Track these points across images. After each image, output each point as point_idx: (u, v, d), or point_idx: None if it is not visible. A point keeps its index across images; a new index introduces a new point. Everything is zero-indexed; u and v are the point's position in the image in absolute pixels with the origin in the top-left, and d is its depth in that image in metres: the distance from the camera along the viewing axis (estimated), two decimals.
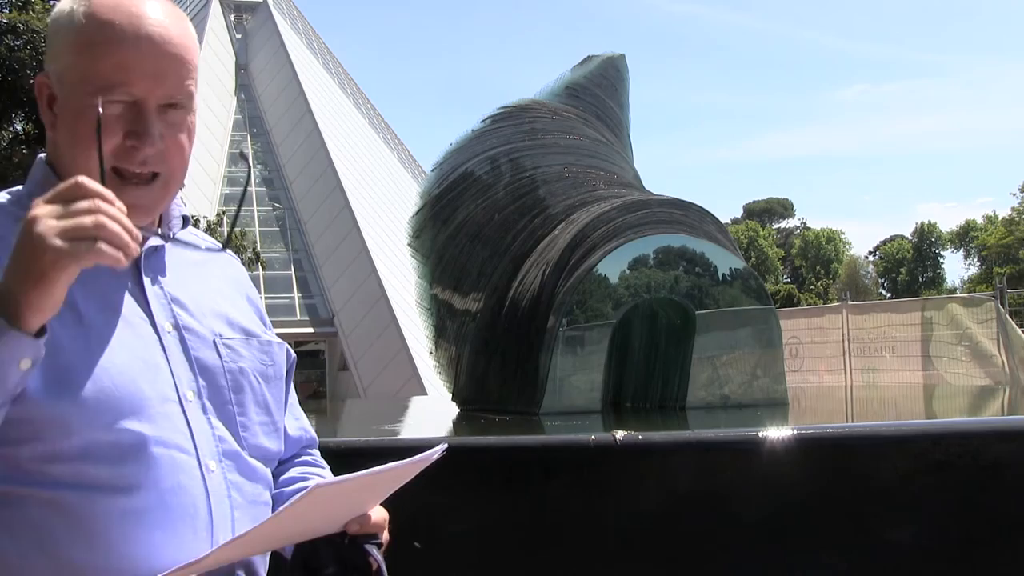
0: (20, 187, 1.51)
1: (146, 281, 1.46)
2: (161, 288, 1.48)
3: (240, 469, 1.45)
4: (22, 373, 1.22)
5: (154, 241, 1.50)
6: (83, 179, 1.20)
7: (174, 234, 1.55)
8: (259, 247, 31.48)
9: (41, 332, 1.21)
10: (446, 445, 1.52)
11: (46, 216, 1.18)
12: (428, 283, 5.66)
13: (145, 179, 1.43)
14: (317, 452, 1.72)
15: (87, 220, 1.17)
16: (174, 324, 1.46)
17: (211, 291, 1.56)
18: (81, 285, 1.39)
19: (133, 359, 1.38)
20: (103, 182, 1.25)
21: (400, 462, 1.45)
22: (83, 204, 1.18)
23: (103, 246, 1.17)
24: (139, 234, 1.23)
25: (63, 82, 1.43)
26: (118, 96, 1.40)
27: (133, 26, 1.40)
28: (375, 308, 35.36)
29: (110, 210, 1.19)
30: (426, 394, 23.42)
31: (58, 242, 1.16)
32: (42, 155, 1.53)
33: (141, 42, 1.40)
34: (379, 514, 1.51)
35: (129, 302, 1.43)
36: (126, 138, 1.41)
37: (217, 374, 1.47)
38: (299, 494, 1.38)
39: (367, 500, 1.48)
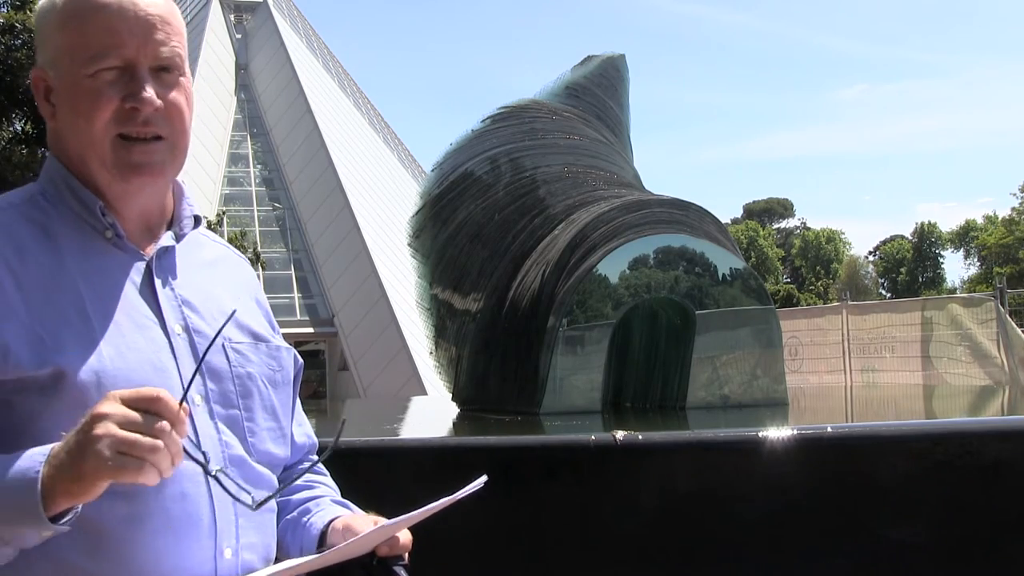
0: (34, 184, 1.51)
1: (157, 282, 1.46)
2: (172, 289, 1.47)
3: (245, 475, 1.44)
4: (43, 539, 1.24)
5: (166, 241, 1.50)
6: (165, 396, 1.20)
7: (185, 234, 1.55)
8: (259, 247, 31.44)
9: (66, 513, 1.22)
10: (485, 477, 1.54)
11: (113, 419, 1.18)
12: (428, 283, 5.66)
13: (149, 138, 1.44)
14: (317, 457, 1.72)
15: (147, 443, 1.17)
16: (184, 326, 1.45)
17: (221, 293, 1.55)
18: (90, 287, 1.39)
19: (142, 363, 1.37)
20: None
21: (450, 497, 1.48)
22: (150, 425, 1.18)
23: (147, 468, 1.17)
24: (182, 458, 1.23)
25: (57, 65, 1.44)
26: (111, 61, 1.41)
27: None
28: (375, 308, 35.33)
29: (173, 436, 1.19)
30: (426, 394, 23.40)
31: (107, 452, 1.16)
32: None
33: (124, 4, 1.43)
34: (406, 536, 1.51)
35: (139, 303, 1.43)
36: (123, 101, 1.42)
37: (225, 378, 1.47)
38: (370, 530, 1.42)
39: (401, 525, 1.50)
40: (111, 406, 1.19)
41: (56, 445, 1.22)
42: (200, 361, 1.40)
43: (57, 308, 1.35)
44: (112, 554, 1.30)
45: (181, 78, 1.48)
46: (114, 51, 1.41)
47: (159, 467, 1.18)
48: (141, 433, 1.17)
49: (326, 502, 1.60)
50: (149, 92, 1.42)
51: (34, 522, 1.19)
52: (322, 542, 1.51)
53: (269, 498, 1.45)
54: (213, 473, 1.36)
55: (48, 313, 1.34)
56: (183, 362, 1.42)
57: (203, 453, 1.35)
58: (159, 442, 1.18)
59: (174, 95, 1.46)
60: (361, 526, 1.48)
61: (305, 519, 1.56)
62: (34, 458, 1.21)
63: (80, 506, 1.22)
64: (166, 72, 1.45)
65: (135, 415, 1.19)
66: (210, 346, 1.42)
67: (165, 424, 1.19)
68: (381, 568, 1.47)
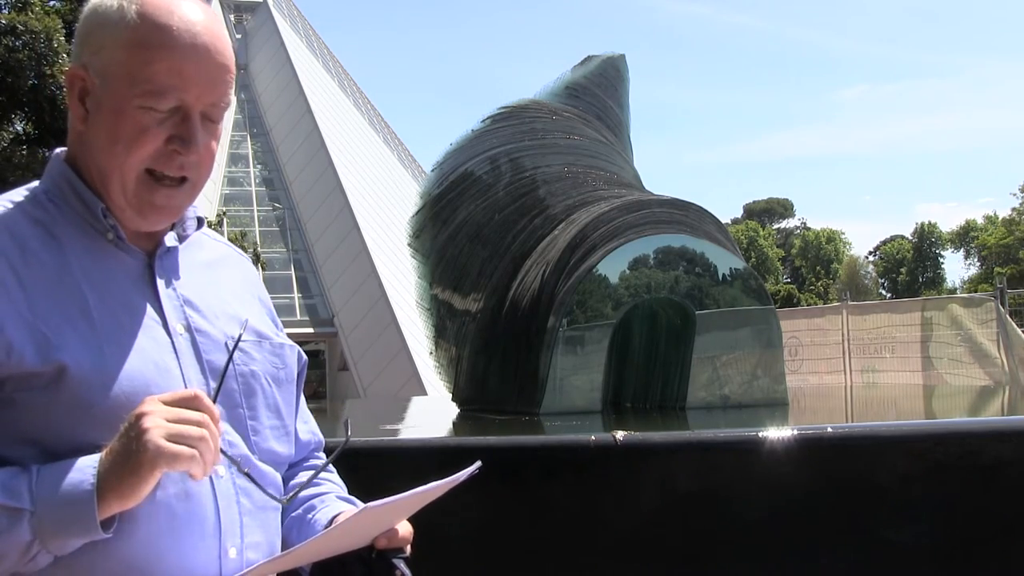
0: (36, 183, 1.50)
1: (159, 283, 1.46)
2: (174, 290, 1.47)
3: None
4: (84, 542, 1.28)
5: (169, 242, 1.50)
6: (201, 394, 1.29)
7: (188, 235, 1.54)
8: (259, 247, 31.44)
9: (112, 519, 1.27)
10: (480, 463, 1.53)
11: (159, 414, 1.25)
12: (428, 283, 5.67)
13: (176, 182, 1.43)
14: (323, 455, 1.71)
15: (195, 432, 1.25)
16: (186, 326, 1.45)
17: (223, 293, 1.55)
18: (93, 287, 1.39)
19: (145, 363, 1.37)
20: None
21: (441, 481, 1.47)
22: (195, 416, 1.26)
23: (197, 458, 1.24)
24: (220, 455, 1.32)
25: (106, 77, 1.41)
26: (168, 103, 1.39)
27: (190, 33, 1.40)
28: (375, 308, 35.32)
29: (214, 429, 1.27)
30: (426, 394, 23.40)
31: (161, 441, 1.23)
32: (58, 151, 1.51)
33: (198, 50, 1.40)
34: (405, 528, 1.51)
35: (142, 303, 1.43)
36: (168, 142, 1.40)
37: (229, 376, 1.46)
38: (352, 513, 1.42)
39: (397, 515, 1.49)
40: (153, 405, 1.25)
41: (101, 454, 1.26)
42: (228, 361, 1.43)
43: (60, 307, 1.35)
44: (114, 553, 1.30)
45: (220, 124, 1.47)
46: (174, 93, 1.39)
47: (205, 458, 1.25)
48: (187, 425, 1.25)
49: (331, 498, 1.60)
50: (198, 142, 1.41)
51: (87, 531, 1.25)
52: None
53: (298, 491, 1.53)
54: (246, 470, 1.42)
55: (51, 311, 1.34)
56: (185, 362, 1.42)
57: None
58: (205, 431, 1.25)
59: (211, 142, 1.45)
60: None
61: (310, 516, 1.56)
62: (84, 470, 1.25)
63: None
64: (211, 122, 1.44)
65: (178, 410, 1.26)
66: (233, 351, 1.45)
67: (206, 417, 1.26)
68: (380, 561, 1.47)
